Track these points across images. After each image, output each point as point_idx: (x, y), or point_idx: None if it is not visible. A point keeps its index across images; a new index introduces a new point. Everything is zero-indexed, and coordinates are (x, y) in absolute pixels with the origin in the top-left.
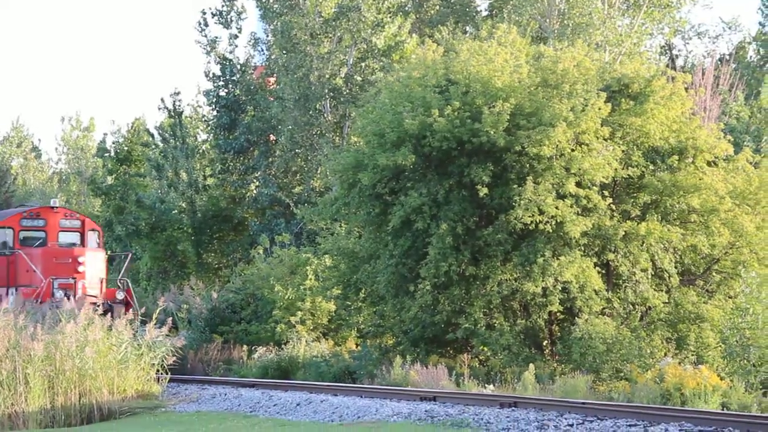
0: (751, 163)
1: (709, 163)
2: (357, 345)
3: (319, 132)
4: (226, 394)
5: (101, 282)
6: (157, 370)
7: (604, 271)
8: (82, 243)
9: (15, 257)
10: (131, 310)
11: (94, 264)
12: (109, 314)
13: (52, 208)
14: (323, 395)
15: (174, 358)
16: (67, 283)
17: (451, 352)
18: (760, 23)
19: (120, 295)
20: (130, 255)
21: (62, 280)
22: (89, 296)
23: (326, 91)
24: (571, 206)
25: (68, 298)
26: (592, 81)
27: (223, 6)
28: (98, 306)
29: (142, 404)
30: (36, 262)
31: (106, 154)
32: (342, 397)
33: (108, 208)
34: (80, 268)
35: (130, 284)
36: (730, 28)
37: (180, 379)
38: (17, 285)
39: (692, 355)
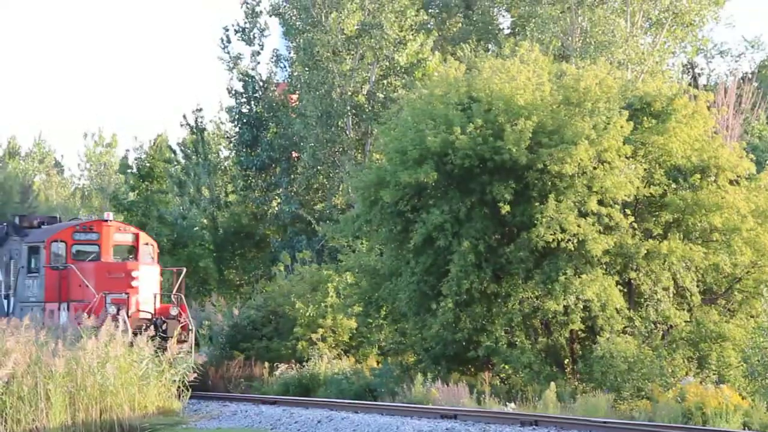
0: None
1: (731, 182)
2: (378, 362)
3: (341, 149)
4: (246, 411)
5: (155, 297)
6: (179, 387)
7: (625, 290)
8: (136, 257)
9: (67, 272)
10: (186, 326)
11: (147, 279)
12: (163, 330)
13: (106, 221)
14: (344, 413)
15: (195, 375)
16: (120, 298)
17: (472, 370)
18: None
19: (174, 311)
20: (184, 270)
21: (115, 296)
22: (142, 312)
23: (348, 108)
24: (593, 224)
25: (121, 314)
26: (615, 99)
27: (245, 23)
28: (151, 322)
29: (163, 420)
30: (88, 277)
31: (129, 171)
32: (363, 414)
33: (130, 224)
34: (134, 283)
35: (184, 299)
36: (752, 46)
37: (201, 395)
38: (69, 300)
39: (714, 374)
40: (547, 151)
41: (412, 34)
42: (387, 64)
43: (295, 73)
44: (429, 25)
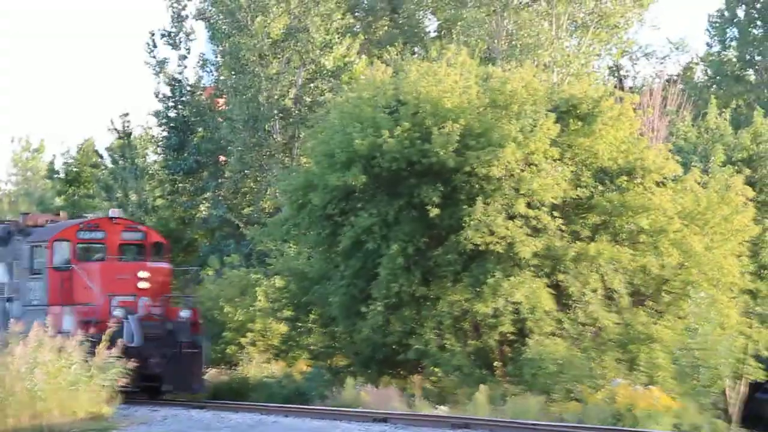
0: (699, 184)
1: (657, 184)
2: (308, 366)
3: (268, 153)
4: (176, 416)
5: (165, 299)
6: (110, 392)
7: (554, 292)
8: (145, 257)
9: (71, 273)
10: (198, 329)
11: (157, 280)
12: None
13: (112, 219)
14: (274, 416)
15: (125, 380)
16: (127, 300)
17: (402, 373)
18: (707, 44)
19: (185, 314)
20: (197, 269)
21: (122, 298)
22: (152, 315)
23: (275, 112)
24: (521, 227)
25: (128, 317)
26: (541, 102)
27: (171, 27)
28: (160, 325)
29: (93, 426)
30: (93, 278)
31: (56, 176)
32: (293, 418)
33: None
34: (142, 284)
35: (196, 302)
36: (677, 48)
37: (131, 401)
38: (73, 303)
39: (643, 375)
40: (475, 154)
41: (339, 38)
42: (314, 67)
43: (222, 77)
44: (355, 29)
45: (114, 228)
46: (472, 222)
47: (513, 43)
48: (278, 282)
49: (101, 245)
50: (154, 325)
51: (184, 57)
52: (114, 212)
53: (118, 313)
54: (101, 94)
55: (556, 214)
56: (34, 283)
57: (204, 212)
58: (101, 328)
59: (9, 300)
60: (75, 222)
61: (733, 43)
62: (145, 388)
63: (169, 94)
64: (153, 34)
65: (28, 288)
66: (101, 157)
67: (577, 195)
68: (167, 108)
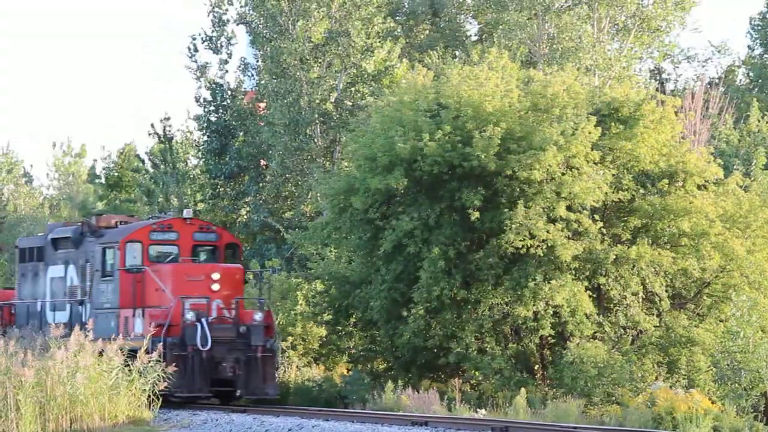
0: (741, 187)
1: (699, 187)
2: (348, 370)
3: (309, 157)
4: (217, 420)
5: (237, 302)
6: (149, 396)
7: (595, 295)
8: (219, 258)
9: (143, 275)
10: (272, 332)
11: (230, 282)
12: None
13: (186, 219)
14: (315, 420)
15: (165, 384)
16: (199, 303)
17: (442, 376)
18: (749, 47)
19: (258, 317)
20: (270, 271)
21: (194, 300)
22: (224, 318)
23: (316, 116)
24: (562, 230)
25: (200, 320)
26: (582, 105)
27: (212, 32)
28: (233, 328)
29: (134, 430)
30: (165, 281)
31: (97, 180)
32: (333, 422)
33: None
34: (214, 287)
35: (269, 304)
36: (719, 51)
37: (172, 405)
38: (145, 306)
39: (683, 378)
40: (516, 158)
41: (380, 42)
42: (354, 71)
43: (263, 82)
44: (396, 33)
45: (187, 229)
46: (512, 225)
47: (554, 46)
48: (319, 286)
49: (174, 246)
50: (227, 329)
51: (225, 61)
52: (187, 213)
53: (190, 316)
54: (143, 99)
55: (596, 217)
56: (106, 285)
57: (245, 216)
58: (173, 331)
59: (81, 303)
60: (147, 223)
61: None
62: (217, 393)
63: (209, 98)
64: (194, 39)
65: (99, 290)
66: (142, 161)
67: (618, 198)
68: (208, 112)
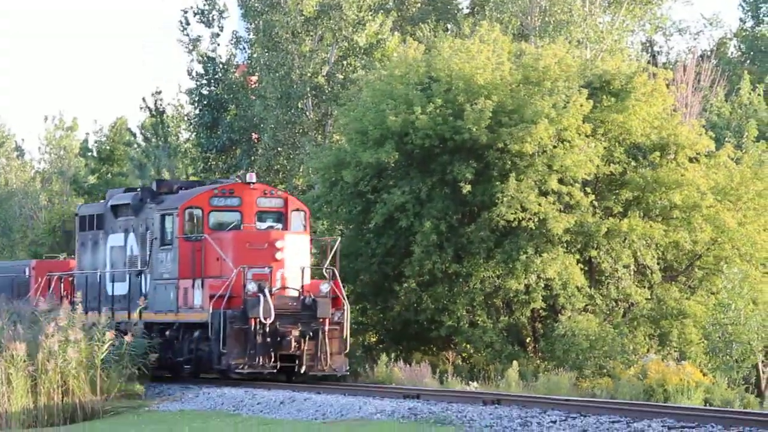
0: (732, 159)
1: (690, 160)
2: None
3: (301, 130)
4: (209, 393)
5: (303, 271)
6: (138, 368)
7: (586, 268)
8: (285, 225)
9: (203, 243)
10: (340, 304)
11: (295, 250)
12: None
13: (249, 184)
14: (306, 393)
15: (157, 356)
16: (261, 273)
17: (434, 349)
18: (740, 19)
19: (325, 287)
20: (339, 239)
21: (256, 270)
22: (288, 289)
23: (308, 89)
24: (554, 203)
25: (263, 291)
26: (574, 78)
27: (204, 4)
28: (298, 300)
29: (126, 404)
30: (226, 249)
31: (89, 154)
32: (325, 395)
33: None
34: (278, 255)
35: (337, 274)
36: (711, 24)
37: (163, 379)
38: (205, 276)
39: (675, 351)
40: (507, 131)
41: (371, 15)
42: (346, 45)
43: (255, 55)
44: (388, 6)
45: (250, 194)
46: (504, 198)
47: (546, 19)
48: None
49: (236, 212)
50: (291, 300)
51: (217, 35)
52: (251, 177)
53: (251, 287)
54: (134, 72)
55: (588, 190)
56: (165, 255)
57: None
58: (234, 303)
59: (140, 273)
60: (208, 188)
61: (767, 19)
62: (281, 368)
63: (201, 71)
64: (186, 12)
65: (158, 260)
66: (134, 135)
67: (610, 171)
68: (200, 86)
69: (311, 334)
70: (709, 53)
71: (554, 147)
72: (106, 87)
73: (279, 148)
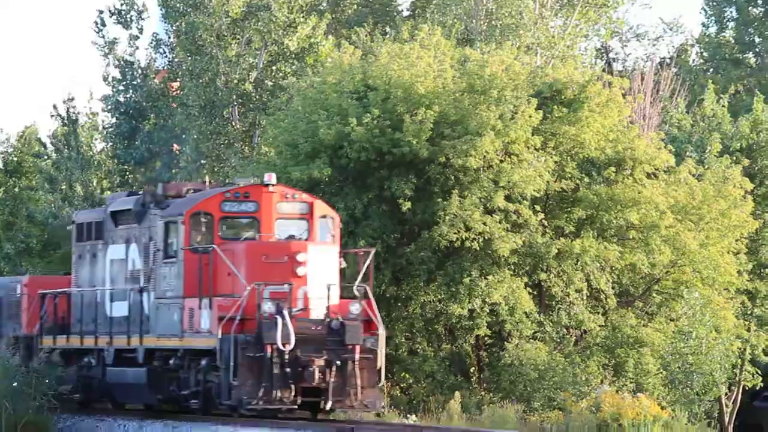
0: (693, 176)
1: (648, 176)
2: None
3: (226, 142)
4: (125, 427)
5: (330, 290)
6: (50, 400)
7: (535, 292)
8: (309, 235)
9: (211, 256)
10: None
11: (321, 264)
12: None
13: (267, 185)
14: (228, 426)
15: (71, 386)
16: (280, 291)
17: None
18: (703, 24)
19: (356, 309)
20: (373, 251)
21: (274, 288)
22: (312, 310)
23: (234, 97)
24: (500, 222)
25: (281, 313)
26: (522, 86)
27: (122, 4)
28: (323, 323)
29: None
30: (238, 263)
31: None
32: (249, 428)
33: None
34: (300, 270)
35: (370, 293)
36: (671, 29)
37: (78, 410)
38: (214, 295)
39: (631, 382)
40: (450, 144)
41: (303, 17)
42: (276, 49)
43: (177, 60)
44: (322, 7)
45: (269, 197)
46: (446, 217)
47: (493, 23)
48: None
49: (252, 220)
50: (315, 323)
51: (136, 37)
52: (270, 177)
53: (268, 307)
54: (44, 78)
55: (537, 208)
56: (168, 269)
57: None
58: (247, 326)
59: (142, 291)
60: (219, 190)
61: (731, 24)
62: (303, 404)
63: (118, 77)
64: (102, 12)
65: (162, 275)
66: (44, 145)
67: (561, 187)
68: (117, 92)
69: (339, 363)
70: (669, 61)
71: (501, 161)
72: (12, 93)
73: (202, 161)
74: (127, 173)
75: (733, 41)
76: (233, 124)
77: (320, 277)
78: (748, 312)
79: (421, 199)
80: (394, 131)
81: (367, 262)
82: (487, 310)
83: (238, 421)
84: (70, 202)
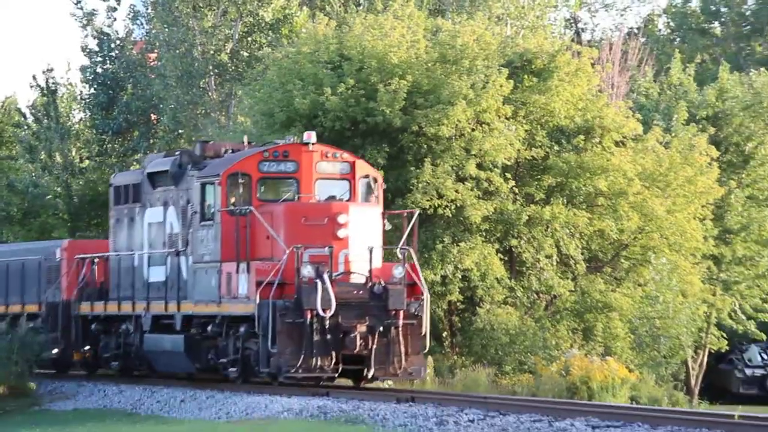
0: (661, 143)
1: (617, 143)
2: None
3: (203, 111)
4: (104, 391)
5: (372, 253)
6: (30, 366)
7: (506, 258)
8: (351, 195)
9: (249, 218)
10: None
11: (363, 226)
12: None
13: (307, 144)
14: (209, 391)
15: (54, 352)
16: (320, 254)
17: None
18: None
19: (399, 272)
20: (417, 212)
21: (314, 251)
22: (353, 274)
23: (211, 67)
24: (472, 189)
25: (321, 277)
26: (493, 56)
27: None
28: (365, 288)
29: (15, 402)
30: (277, 225)
31: None
32: (229, 392)
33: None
34: (341, 233)
35: (414, 256)
36: (638, 0)
37: (58, 376)
38: (252, 258)
39: (600, 346)
40: (423, 113)
41: None
42: (251, 20)
43: (154, 31)
44: None
45: (309, 156)
46: (419, 184)
47: None
48: None
49: (292, 180)
50: (357, 287)
51: (114, 9)
52: (309, 136)
53: (307, 271)
54: (23, 48)
55: (508, 175)
56: (205, 232)
57: None
58: (286, 291)
59: (179, 255)
60: (257, 150)
61: None
62: (344, 372)
63: (96, 48)
64: None
65: (199, 239)
66: (24, 116)
67: (532, 156)
68: (95, 63)
69: (381, 329)
70: (636, 30)
71: (472, 130)
72: None
73: (180, 131)
74: (106, 143)
75: (699, 11)
76: (210, 94)
77: (362, 240)
78: (714, 277)
79: (395, 168)
80: (368, 101)
81: (411, 223)
82: (460, 276)
83: (217, 385)
84: (50, 171)
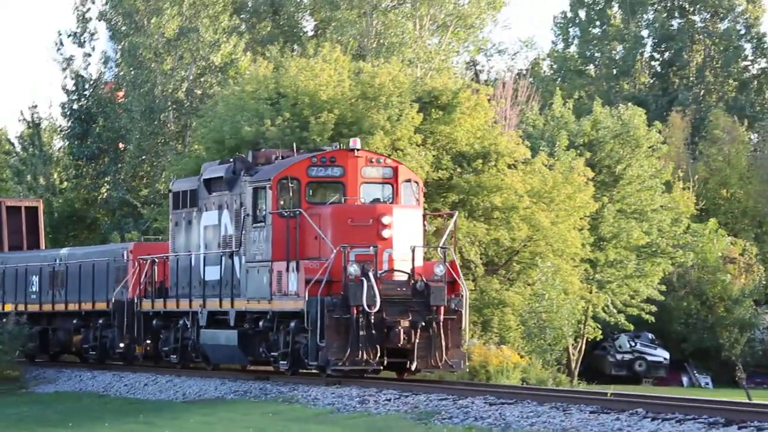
0: (546, 166)
1: (509, 166)
2: None
3: (163, 140)
4: (80, 376)
5: (414, 252)
6: (17, 353)
7: None
8: (394, 198)
9: (298, 220)
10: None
11: (405, 227)
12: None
13: (352, 150)
14: (168, 376)
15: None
16: (366, 254)
17: None
18: (552, 42)
19: (440, 270)
20: (456, 214)
21: (360, 250)
22: (397, 272)
23: (169, 103)
24: None
25: (367, 275)
26: (406, 93)
27: (77, 27)
28: (408, 285)
29: (3, 387)
30: (325, 226)
31: None
32: (185, 377)
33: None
34: (385, 233)
35: (454, 254)
36: (526, 46)
37: (40, 363)
38: (301, 258)
39: (496, 336)
40: (347, 141)
41: (226, 37)
42: (204, 63)
43: (122, 73)
44: (241, 29)
45: (354, 162)
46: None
47: (381, 41)
48: None
49: (338, 184)
50: (400, 285)
51: (89, 54)
52: (355, 143)
53: (353, 269)
54: (12, 87)
55: None
56: (257, 233)
57: (105, 194)
58: (334, 289)
59: (233, 255)
60: (306, 156)
61: (575, 41)
62: (388, 365)
63: (73, 88)
64: (60, 34)
65: (251, 240)
66: (13, 145)
67: (438, 176)
68: (72, 100)
69: (423, 324)
70: (525, 72)
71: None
72: None
73: (143, 156)
74: (81, 167)
75: (576, 56)
76: (169, 125)
77: (405, 240)
78: (590, 277)
79: None
80: (302, 131)
81: (451, 224)
82: None
83: (176, 371)
84: (35, 192)
